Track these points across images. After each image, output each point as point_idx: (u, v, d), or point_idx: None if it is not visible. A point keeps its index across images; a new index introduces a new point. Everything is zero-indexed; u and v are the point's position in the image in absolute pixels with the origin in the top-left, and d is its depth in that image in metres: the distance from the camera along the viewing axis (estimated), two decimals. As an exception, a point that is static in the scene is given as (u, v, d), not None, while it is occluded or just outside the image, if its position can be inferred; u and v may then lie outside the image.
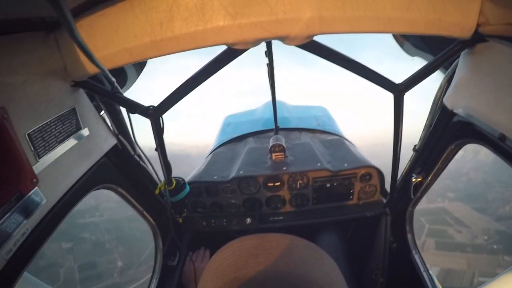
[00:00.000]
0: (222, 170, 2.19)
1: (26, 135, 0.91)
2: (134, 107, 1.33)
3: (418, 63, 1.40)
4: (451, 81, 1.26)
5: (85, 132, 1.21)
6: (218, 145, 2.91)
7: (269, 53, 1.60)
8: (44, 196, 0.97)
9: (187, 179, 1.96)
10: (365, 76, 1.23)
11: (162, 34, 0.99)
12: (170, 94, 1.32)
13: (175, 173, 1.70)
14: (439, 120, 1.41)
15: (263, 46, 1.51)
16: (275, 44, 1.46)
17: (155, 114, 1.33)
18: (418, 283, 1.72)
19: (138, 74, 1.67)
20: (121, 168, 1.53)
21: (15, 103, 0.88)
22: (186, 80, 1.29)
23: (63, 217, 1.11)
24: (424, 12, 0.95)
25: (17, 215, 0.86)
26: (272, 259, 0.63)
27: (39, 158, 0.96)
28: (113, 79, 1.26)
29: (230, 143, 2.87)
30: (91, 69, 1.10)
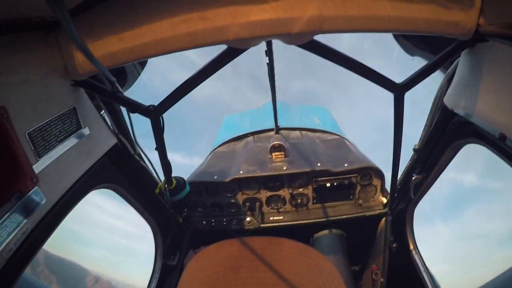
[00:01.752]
0: (222, 169, 2.19)
1: (26, 134, 0.91)
2: (134, 107, 1.33)
3: (418, 63, 1.40)
4: (451, 81, 1.26)
5: (85, 131, 1.21)
6: (218, 145, 2.91)
7: (269, 53, 1.60)
8: (44, 196, 0.97)
9: (187, 179, 1.96)
10: (365, 75, 1.23)
11: (162, 33, 0.99)
12: (170, 94, 1.32)
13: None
14: (439, 120, 1.41)
15: (263, 46, 1.51)
16: (275, 43, 1.45)
17: (155, 113, 1.33)
18: (418, 283, 1.72)
19: (139, 74, 1.66)
20: (121, 167, 1.53)
21: (15, 103, 0.88)
22: (186, 80, 1.28)
23: (63, 217, 1.12)
24: (425, 12, 0.95)
25: (17, 214, 0.86)
26: (257, 275, 0.51)
27: (39, 157, 0.96)
28: (113, 79, 1.26)
29: (230, 143, 2.87)
30: (91, 68, 1.10)
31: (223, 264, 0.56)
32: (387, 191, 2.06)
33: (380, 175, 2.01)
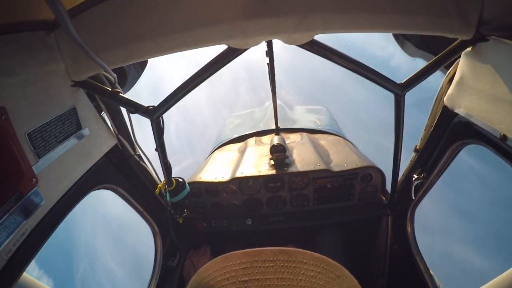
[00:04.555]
0: (223, 170, 2.19)
1: (26, 134, 0.91)
2: (134, 107, 1.33)
3: (418, 63, 1.40)
4: (452, 81, 1.26)
5: (85, 132, 1.21)
6: (218, 145, 2.91)
7: (269, 53, 1.60)
8: (43, 196, 0.96)
9: (187, 179, 1.96)
10: (365, 75, 1.23)
11: (162, 34, 0.99)
12: (170, 94, 1.32)
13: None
14: (440, 120, 1.41)
15: (263, 46, 1.51)
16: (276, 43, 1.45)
17: (155, 114, 1.33)
18: (419, 284, 1.71)
19: (139, 74, 1.67)
20: (121, 168, 1.53)
21: (15, 103, 0.88)
22: (186, 80, 1.28)
23: (62, 218, 1.11)
24: (425, 12, 0.95)
25: (16, 215, 0.86)
26: None
27: (39, 158, 0.96)
28: (114, 78, 1.26)
29: (230, 144, 2.87)
30: (91, 69, 1.10)
31: (228, 278, 0.50)
32: (387, 191, 2.05)
33: (380, 175, 2.00)
